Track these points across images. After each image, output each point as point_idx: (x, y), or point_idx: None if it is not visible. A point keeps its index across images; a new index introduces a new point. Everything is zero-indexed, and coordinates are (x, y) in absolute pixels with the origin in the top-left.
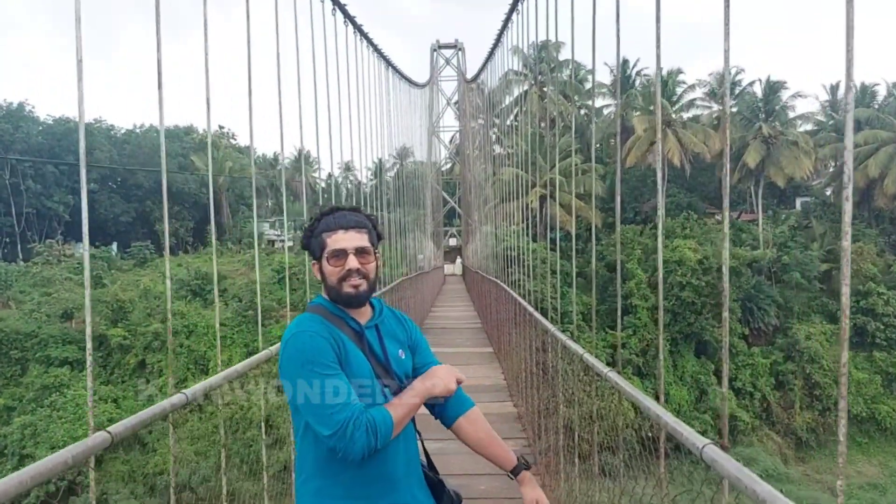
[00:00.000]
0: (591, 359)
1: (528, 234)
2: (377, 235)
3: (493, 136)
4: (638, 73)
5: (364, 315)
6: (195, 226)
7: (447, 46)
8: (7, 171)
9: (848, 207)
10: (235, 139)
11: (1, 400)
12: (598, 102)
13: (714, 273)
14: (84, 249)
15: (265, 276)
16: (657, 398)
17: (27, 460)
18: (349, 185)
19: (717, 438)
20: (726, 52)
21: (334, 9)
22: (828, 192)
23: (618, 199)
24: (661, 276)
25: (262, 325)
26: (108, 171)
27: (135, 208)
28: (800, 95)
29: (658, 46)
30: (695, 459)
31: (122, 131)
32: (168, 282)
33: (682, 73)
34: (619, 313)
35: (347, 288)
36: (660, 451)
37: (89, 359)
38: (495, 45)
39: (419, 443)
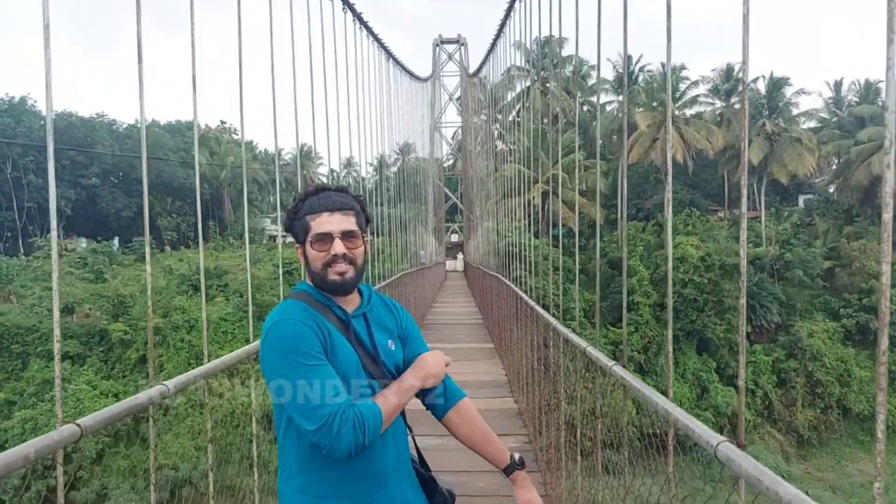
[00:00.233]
0: (594, 352)
1: (530, 231)
2: (365, 218)
3: (496, 132)
4: (641, 70)
5: (351, 303)
6: (196, 221)
7: (449, 41)
8: (9, 166)
9: (890, 175)
10: (237, 134)
11: (2, 394)
12: (602, 98)
13: (716, 270)
14: (52, 230)
15: (266, 272)
16: (664, 394)
17: None
18: (351, 181)
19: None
20: (745, 50)
21: None
22: (831, 190)
23: (623, 194)
24: (669, 267)
25: (263, 319)
26: (110, 166)
27: (136, 203)
28: (803, 92)
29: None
30: (701, 457)
31: (124, 126)
32: (148, 276)
33: (685, 69)
34: (624, 307)
35: (333, 275)
36: (668, 448)
37: (57, 345)
38: (496, 39)
39: (410, 438)
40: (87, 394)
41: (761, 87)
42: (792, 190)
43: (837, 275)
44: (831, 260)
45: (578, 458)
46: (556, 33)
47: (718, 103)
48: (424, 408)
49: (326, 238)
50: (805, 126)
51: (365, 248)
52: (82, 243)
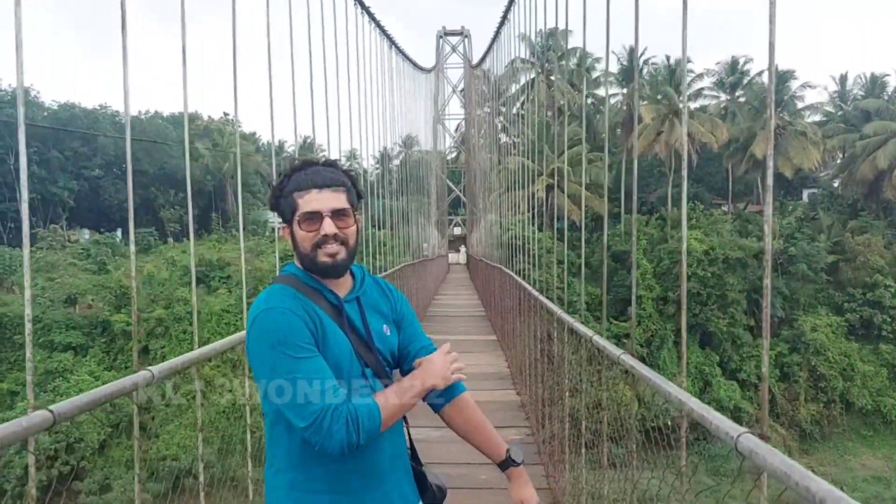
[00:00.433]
0: (602, 342)
1: (533, 224)
2: (357, 194)
3: (499, 125)
4: (645, 62)
5: (343, 286)
6: (199, 213)
7: (453, 33)
8: (11, 157)
9: None
10: (240, 125)
11: (4, 385)
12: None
13: (720, 264)
14: (23, 214)
15: (269, 264)
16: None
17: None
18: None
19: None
20: (771, 45)
21: None
22: (835, 184)
23: (634, 186)
24: (684, 255)
25: None
26: (113, 158)
27: (139, 195)
28: (808, 86)
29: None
30: (704, 450)
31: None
32: (132, 261)
33: (690, 62)
34: (633, 296)
35: (323, 256)
36: (681, 440)
37: (28, 326)
38: (499, 28)
39: (406, 430)
40: (90, 385)
41: (766, 80)
42: (796, 184)
43: (841, 269)
44: (835, 254)
45: (583, 450)
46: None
47: (723, 96)
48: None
49: (315, 217)
50: (810, 120)
51: (357, 227)
52: (85, 234)
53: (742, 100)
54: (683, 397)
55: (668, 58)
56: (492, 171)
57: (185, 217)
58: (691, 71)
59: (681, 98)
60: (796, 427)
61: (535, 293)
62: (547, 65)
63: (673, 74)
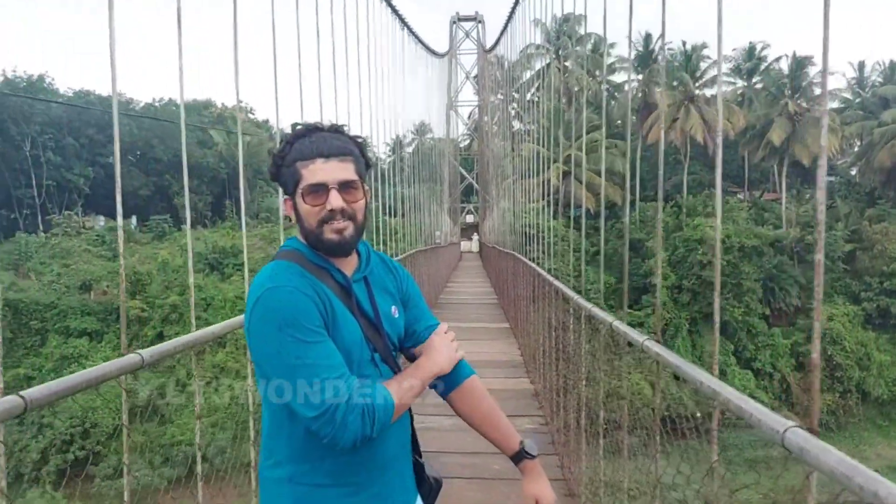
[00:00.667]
0: (622, 327)
1: (546, 212)
2: (366, 163)
3: (513, 112)
4: (661, 48)
5: (349, 264)
6: (213, 200)
7: (467, 19)
8: (27, 144)
9: None
10: (254, 114)
11: (21, 370)
12: (621, 77)
13: (735, 252)
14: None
15: None
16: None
17: (46, 430)
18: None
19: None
20: (825, 35)
21: None
22: (853, 172)
23: (660, 169)
24: (718, 239)
25: None
26: (128, 145)
27: (154, 182)
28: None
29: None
30: (723, 440)
31: (141, 105)
32: (120, 242)
33: (705, 47)
34: (658, 275)
35: (329, 233)
36: (712, 433)
37: None
38: (512, 12)
39: (410, 418)
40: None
41: (784, 66)
42: (814, 171)
43: (858, 258)
44: (852, 243)
45: (601, 440)
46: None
47: (740, 83)
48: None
49: (321, 189)
50: (828, 106)
51: (366, 200)
52: (100, 221)
53: (759, 86)
54: (717, 386)
55: (683, 43)
56: (505, 158)
57: (199, 204)
58: (707, 57)
59: (681, 86)
60: (811, 416)
61: (550, 278)
62: (561, 51)
63: (689, 60)
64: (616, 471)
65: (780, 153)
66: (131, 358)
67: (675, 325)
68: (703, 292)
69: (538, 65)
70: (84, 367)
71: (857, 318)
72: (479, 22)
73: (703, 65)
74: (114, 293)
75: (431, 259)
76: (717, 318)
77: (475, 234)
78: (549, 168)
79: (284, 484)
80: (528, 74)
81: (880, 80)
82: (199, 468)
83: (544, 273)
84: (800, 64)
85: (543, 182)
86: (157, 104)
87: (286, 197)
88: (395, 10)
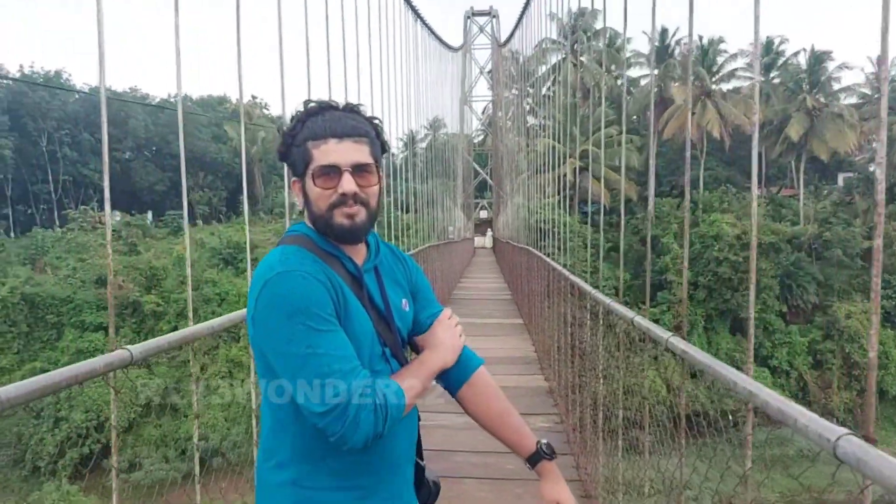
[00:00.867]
0: (644, 322)
1: (561, 207)
2: (381, 147)
3: (527, 107)
4: (677, 43)
5: (359, 253)
6: (228, 195)
7: (481, 13)
8: (44, 139)
9: None
10: (268, 109)
11: (37, 363)
12: (636, 72)
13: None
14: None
15: None
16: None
17: (62, 423)
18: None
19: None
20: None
21: None
22: (871, 168)
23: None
24: (755, 231)
25: None
26: (144, 140)
27: (169, 177)
28: (845, 67)
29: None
30: (734, 439)
31: (157, 100)
32: (108, 235)
33: (723, 41)
34: (684, 275)
35: (340, 218)
36: (746, 439)
37: None
38: (527, 5)
39: (417, 418)
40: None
41: (802, 61)
42: (832, 167)
43: None
44: (871, 239)
45: (619, 441)
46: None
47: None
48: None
49: (333, 172)
50: (846, 102)
51: (380, 185)
52: (116, 216)
53: (777, 81)
54: (753, 387)
55: (700, 38)
56: (519, 153)
57: (214, 199)
58: (724, 51)
59: (697, 80)
60: (829, 415)
61: (566, 273)
62: (576, 45)
63: (706, 55)
64: (636, 473)
65: (798, 149)
66: (120, 354)
67: (690, 322)
68: (719, 289)
69: (553, 60)
70: None
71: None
72: (494, 16)
73: (719, 59)
74: (129, 287)
75: (444, 254)
76: (751, 312)
77: (489, 229)
78: (563, 163)
79: (287, 487)
80: (542, 69)
81: None
82: (196, 470)
83: (559, 268)
84: (818, 59)
85: (558, 177)
86: (173, 99)
87: (295, 179)
88: (408, 2)
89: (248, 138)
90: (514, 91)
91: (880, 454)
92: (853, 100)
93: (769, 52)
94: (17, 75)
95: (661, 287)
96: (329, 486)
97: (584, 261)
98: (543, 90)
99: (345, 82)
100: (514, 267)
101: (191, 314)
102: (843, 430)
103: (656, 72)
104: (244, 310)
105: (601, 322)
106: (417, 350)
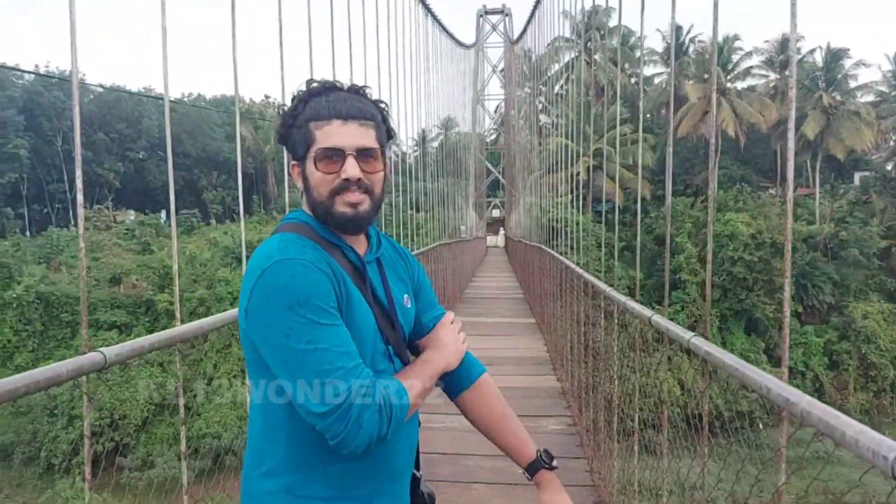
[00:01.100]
0: (664, 322)
1: (574, 206)
2: (387, 132)
3: (540, 105)
4: (691, 40)
5: (360, 245)
6: (242, 194)
7: (494, 12)
8: (59, 139)
9: None
10: (286, 108)
11: (52, 362)
12: (649, 70)
13: (767, 248)
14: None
15: None
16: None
17: (76, 420)
18: (393, 156)
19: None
20: None
21: None
22: (888, 167)
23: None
24: (789, 228)
25: None
26: (157, 140)
27: (182, 177)
28: (862, 64)
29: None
30: (746, 439)
31: (171, 100)
32: (81, 238)
33: (738, 39)
34: (708, 274)
35: (342, 205)
36: (780, 450)
37: None
38: (538, 2)
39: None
40: (135, 362)
41: (818, 58)
42: (848, 166)
43: (894, 254)
44: (888, 239)
45: (636, 447)
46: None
47: (773, 75)
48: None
49: (336, 155)
50: (863, 100)
51: (385, 172)
52: (131, 215)
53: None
54: (792, 395)
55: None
56: (532, 151)
57: (227, 199)
58: (739, 49)
59: (708, 76)
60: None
61: (580, 271)
62: (590, 44)
63: (721, 52)
64: (655, 479)
65: (814, 147)
66: (91, 357)
67: (704, 323)
68: (734, 289)
69: (566, 58)
70: None
71: (892, 316)
72: (507, 15)
73: (734, 57)
74: (143, 286)
75: (456, 253)
76: (787, 310)
77: (501, 228)
78: (577, 162)
79: (279, 496)
80: (555, 67)
81: None
82: (184, 479)
83: (573, 265)
84: (834, 56)
85: (571, 176)
86: (186, 99)
87: (294, 162)
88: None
89: (261, 137)
90: (526, 89)
91: None
92: (870, 97)
93: (784, 50)
94: (32, 76)
95: (674, 286)
96: (325, 495)
97: (597, 260)
98: (556, 88)
99: (350, 79)
100: (527, 265)
101: (178, 313)
102: None
103: (670, 70)
104: (236, 309)
105: (616, 321)
106: (417, 354)
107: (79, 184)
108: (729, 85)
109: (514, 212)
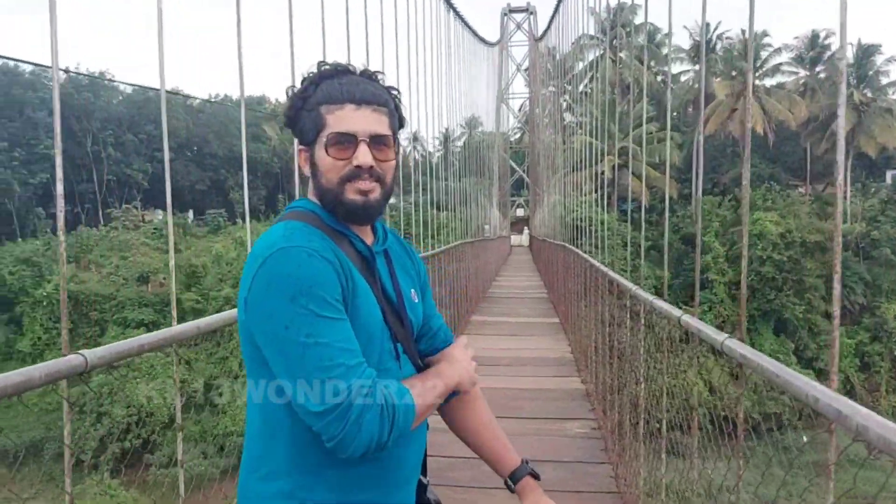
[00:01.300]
0: (695, 322)
1: (599, 205)
2: (399, 120)
3: (564, 104)
4: (719, 37)
5: (366, 235)
6: (267, 194)
7: (518, 10)
8: (88, 140)
9: None
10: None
11: None
12: (675, 68)
13: (797, 248)
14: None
15: None
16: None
17: (104, 418)
18: (417, 156)
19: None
20: None
21: None
22: None
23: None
24: (838, 236)
25: None
26: (185, 140)
27: (209, 177)
28: (894, 60)
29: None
30: (777, 441)
31: (197, 101)
32: (62, 242)
33: (767, 35)
34: (743, 268)
35: (353, 193)
36: (829, 469)
37: None
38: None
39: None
40: (162, 360)
41: (849, 54)
42: (880, 164)
43: None
44: None
45: (663, 455)
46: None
47: (802, 72)
48: None
49: (348, 141)
50: (895, 97)
51: (396, 161)
52: (159, 215)
53: (822, 76)
54: (845, 407)
55: (743, 32)
56: (556, 150)
57: (253, 198)
58: (768, 45)
59: (740, 76)
60: None
61: (605, 269)
62: (615, 41)
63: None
64: (684, 489)
65: (845, 145)
66: (70, 360)
67: (732, 323)
68: (762, 289)
69: (591, 56)
70: (141, 358)
71: None
72: (531, 13)
73: (763, 53)
74: (170, 285)
75: (479, 252)
76: (836, 311)
77: (525, 227)
78: (601, 160)
79: (279, 500)
80: (580, 66)
81: None
82: (181, 488)
83: (598, 264)
84: (866, 52)
85: (596, 174)
86: (212, 100)
87: (302, 147)
88: None
89: (286, 137)
90: (551, 88)
91: None
92: None
93: (814, 47)
94: (64, 77)
95: (702, 286)
96: (328, 499)
97: (622, 259)
98: (581, 87)
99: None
100: (550, 264)
101: (174, 312)
102: None
103: (698, 67)
104: (234, 310)
105: (643, 322)
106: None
107: (59, 188)
108: (758, 82)
109: (538, 211)
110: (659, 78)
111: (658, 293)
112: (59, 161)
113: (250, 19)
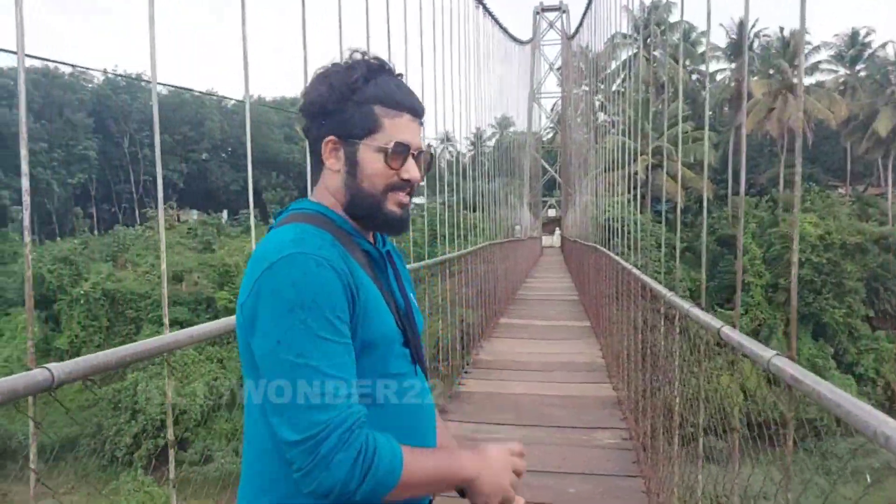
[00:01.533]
0: (736, 335)
1: (632, 205)
2: None
3: (598, 103)
4: (756, 35)
5: (369, 237)
6: (299, 194)
7: (551, 9)
8: (126, 141)
9: None
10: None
11: None
12: (712, 66)
13: (836, 250)
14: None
15: None
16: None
17: (139, 415)
18: (448, 156)
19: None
20: None
21: None
22: None
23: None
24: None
25: None
26: (219, 142)
27: (243, 177)
28: None
29: None
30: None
31: (232, 103)
32: (27, 252)
33: (806, 32)
34: (793, 276)
35: (393, 204)
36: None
37: None
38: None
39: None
40: (193, 358)
41: (891, 52)
42: None
43: None
44: None
45: (700, 475)
46: None
47: (842, 71)
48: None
49: (403, 152)
50: None
51: None
52: (193, 215)
53: (863, 74)
54: None
55: (781, 29)
56: (588, 150)
57: (286, 199)
58: (808, 43)
59: (777, 74)
60: None
61: (637, 272)
62: (649, 40)
63: (787, 46)
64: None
65: (886, 145)
66: (35, 375)
67: (769, 326)
68: (801, 292)
69: (624, 55)
70: (174, 356)
71: None
72: (564, 12)
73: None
74: (204, 284)
75: (509, 253)
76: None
77: (557, 228)
78: (635, 160)
79: None
80: (614, 65)
81: None
82: (173, 500)
83: (630, 267)
84: None
85: (629, 174)
86: (243, 101)
87: (334, 137)
88: None
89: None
90: (583, 87)
91: None
92: None
93: (855, 45)
94: (102, 79)
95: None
96: None
97: (656, 261)
98: (614, 86)
99: (406, 78)
100: (582, 266)
101: (166, 320)
102: None
103: (734, 65)
104: (231, 317)
105: (677, 327)
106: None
107: (25, 184)
108: (796, 81)
109: (570, 211)
110: (694, 76)
111: (693, 297)
112: (24, 153)
113: (288, 20)
